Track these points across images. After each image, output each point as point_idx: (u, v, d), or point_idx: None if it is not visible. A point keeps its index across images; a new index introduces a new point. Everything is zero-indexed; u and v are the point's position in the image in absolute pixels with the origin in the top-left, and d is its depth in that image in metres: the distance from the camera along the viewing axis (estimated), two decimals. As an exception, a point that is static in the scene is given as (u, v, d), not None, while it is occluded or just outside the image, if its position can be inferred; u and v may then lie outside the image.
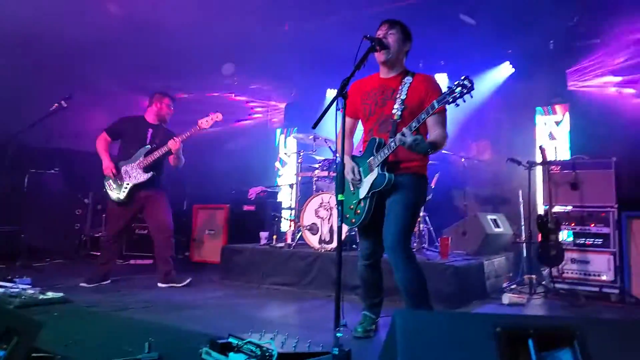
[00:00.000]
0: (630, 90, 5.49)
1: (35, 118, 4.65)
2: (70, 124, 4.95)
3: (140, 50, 6.25)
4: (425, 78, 2.87)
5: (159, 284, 4.71)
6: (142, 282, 4.98)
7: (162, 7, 5.40)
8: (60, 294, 3.74)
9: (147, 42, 6.02)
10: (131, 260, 6.71)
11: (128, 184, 4.64)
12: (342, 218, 2.45)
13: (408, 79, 2.85)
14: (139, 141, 4.74)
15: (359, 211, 2.85)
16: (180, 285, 4.69)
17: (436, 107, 2.52)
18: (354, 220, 2.90)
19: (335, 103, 2.51)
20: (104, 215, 7.32)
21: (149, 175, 4.65)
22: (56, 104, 4.30)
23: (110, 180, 4.67)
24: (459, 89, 2.43)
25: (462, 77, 2.45)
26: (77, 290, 4.34)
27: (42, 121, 4.23)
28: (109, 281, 4.78)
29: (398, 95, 2.80)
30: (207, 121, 4.66)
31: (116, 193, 4.66)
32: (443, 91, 2.57)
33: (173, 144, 4.59)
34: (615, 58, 5.53)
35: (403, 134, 2.56)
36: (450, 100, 2.47)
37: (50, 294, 3.71)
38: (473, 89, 2.43)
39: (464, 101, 2.47)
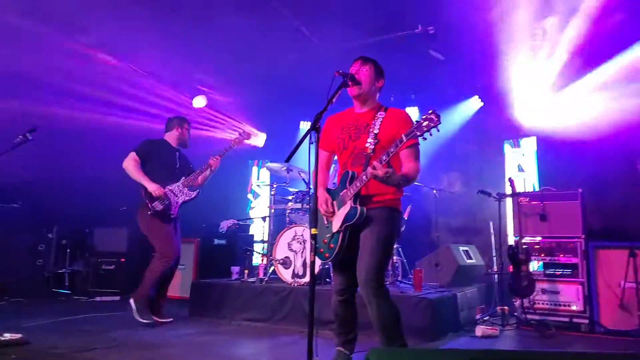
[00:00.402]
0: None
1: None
2: (33, 156, 4.78)
3: (107, 84, 6.20)
4: (397, 113, 2.92)
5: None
6: (109, 319, 4.78)
7: (128, 37, 5.39)
8: (19, 335, 3.56)
9: (116, 75, 5.98)
10: (97, 297, 6.46)
11: (177, 202, 4.64)
12: (315, 252, 2.42)
13: (381, 114, 2.89)
14: (168, 164, 4.74)
15: (332, 245, 2.83)
16: (166, 320, 4.60)
17: (404, 140, 2.56)
18: (327, 255, 2.86)
19: (308, 136, 2.53)
20: (68, 251, 7.08)
21: (196, 192, 4.74)
22: (20, 136, 4.16)
23: (158, 202, 4.53)
24: (426, 122, 2.48)
25: (430, 112, 2.49)
26: (39, 330, 4.13)
27: (5, 154, 4.09)
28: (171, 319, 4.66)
29: (371, 130, 2.84)
30: (237, 140, 4.85)
31: (166, 213, 4.57)
32: (412, 125, 2.61)
33: (215, 162, 4.72)
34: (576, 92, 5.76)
35: (374, 167, 2.58)
36: (418, 133, 2.51)
37: (7, 335, 3.53)
38: (440, 123, 2.48)
39: (431, 135, 2.53)
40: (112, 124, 6.52)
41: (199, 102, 7.30)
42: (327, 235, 2.86)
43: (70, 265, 6.93)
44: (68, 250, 7.04)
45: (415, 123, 2.54)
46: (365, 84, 2.90)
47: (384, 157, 2.62)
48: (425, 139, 2.55)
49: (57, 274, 6.84)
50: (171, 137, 4.87)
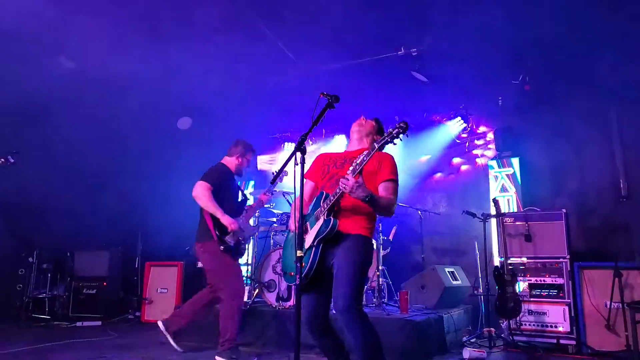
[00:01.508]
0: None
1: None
2: (14, 178, 4.71)
3: (96, 106, 6.17)
4: (385, 155, 3.00)
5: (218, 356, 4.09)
6: (90, 345, 4.68)
7: (115, 62, 5.39)
8: None
9: (101, 98, 5.96)
10: (78, 322, 6.29)
11: (245, 237, 4.36)
12: (284, 275, 2.43)
13: (370, 152, 2.85)
14: (234, 196, 4.43)
15: (303, 264, 2.75)
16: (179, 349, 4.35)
17: (376, 147, 2.66)
18: (297, 275, 2.79)
19: (293, 158, 2.56)
20: (49, 275, 6.92)
21: (255, 225, 4.67)
22: (2, 159, 4.10)
23: (230, 236, 4.19)
24: (395, 130, 2.62)
25: (401, 122, 2.63)
26: (17, 356, 4.07)
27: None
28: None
29: (356, 161, 2.83)
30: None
31: (238, 247, 4.26)
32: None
33: (265, 198, 4.60)
34: (560, 114, 5.85)
35: (345, 178, 2.62)
36: (388, 139, 2.63)
37: None
38: (407, 129, 2.64)
39: (400, 140, 2.66)
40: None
41: (184, 123, 7.29)
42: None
43: (50, 289, 6.76)
44: (49, 275, 6.87)
45: (386, 132, 2.67)
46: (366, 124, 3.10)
47: (351, 168, 2.69)
48: (395, 144, 2.68)
49: (37, 299, 6.66)
50: (231, 164, 4.43)
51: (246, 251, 6.71)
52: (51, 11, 4.45)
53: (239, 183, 4.66)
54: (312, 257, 2.74)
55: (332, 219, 2.73)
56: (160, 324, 4.32)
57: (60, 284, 6.88)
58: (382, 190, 2.87)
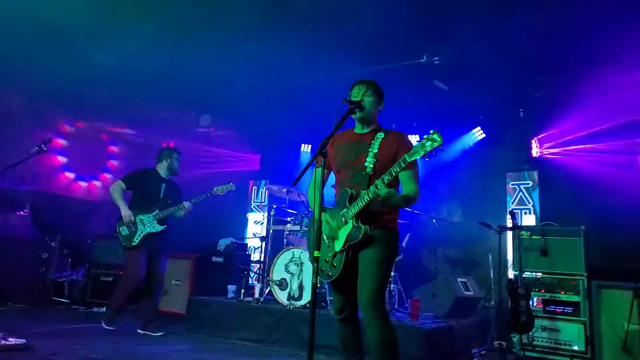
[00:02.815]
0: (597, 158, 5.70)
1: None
2: (43, 166, 4.90)
3: (117, 99, 6.33)
4: (397, 134, 2.96)
5: (138, 330, 4.85)
6: (106, 330, 4.80)
7: (139, 55, 5.51)
8: (23, 341, 3.66)
9: (124, 90, 6.11)
10: (95, 307, 6.45)
11: (142, 232, 4.91)
12: (317, 275, 2.42)
13: (380, 135, 2.93)
14: (153, 194, 5.05)
15: (335, 264, 2.82)
16: (155, 335, 4.79)
17: (408, 160, 2.58)
18: (330, 274, 2.85)
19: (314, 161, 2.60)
20: (70, 260, 7.11)
21: (163, 227, 5.00)
22: (36, 147, 4.25)
23: (124, 227, 4.91)
24: (429, 143, 2.50)
25: (431, 132, 2.51)
26: (40, 336, 4.19)
27: (21, 164, 4.19)
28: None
29: (370, 149, 2.87)
30: (221, 189, 5.10)
31: (129, 239, 4.89)
32: (414, 145, 2.64)
33: (189, 207, 5.03)
34: (582, 128, 5.76)
35: (377, 187, 2.60)
36: (422, 153, 2.52)
37: (12, 340, 3.62)
38: (443, 143, 2.49)
39: (435, 154, 2.52)
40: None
41: (205, 120, 7.41)
42: (330, 255, 2.86)
43: (70, 274, 6.95)
44: (69, 260, 7.06)
45: (417, 143, 2.56)
46: (368, 109, 2.95)
47: (387, 177, 2.63)
48: (429, 158, 2.55)
49: (57, 283, 6.86)
50: (161, 167, 5.18)
51: (259, 250, 6.84)
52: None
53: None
54: (343, 261, 2.78)
55: (362, 226, 2.73)
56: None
57: (80, 270, 7.08)
58: (406, 180, 2.83)
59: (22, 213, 6.77)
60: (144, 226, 4.93)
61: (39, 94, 6.33)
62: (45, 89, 6.18)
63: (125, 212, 4.91)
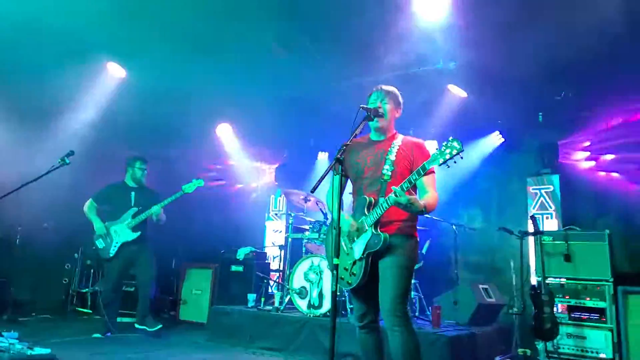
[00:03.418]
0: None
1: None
2: (65, 178, 5.04)
3: (137, 114, 6.47)
4: (414, 142, 2.96)
5: (135, 325, 5.26)
6: (128, 340, 4.89)
7: (155, 70, 5.63)
8: (48, 350, 3.72)
9: (144, 104, 6.23)
10: (117, 317, 6.52)
11: (117, 243, 5.19)
12: (337, 283, 2.42)
13: (397, 142, 2.94)
14: (124, 204, 5.31)
15: (355, 272, 2.82)
16: (151, 329, 5.10)
17: (427, 168, 2.58)
18: (350, 282, 2.85)
19: (332, 168, 2.60)
20: (92, 271, 7.23)
21: (137, 234, 5.22)
22: (59, 160, 4.36)
23: (101, 239, 5.21)
24: (448, 150, 2.49)
25: (450, 138, 2.50)
26: (64, 346, 4.27)
27: (43, 177, 4.30)
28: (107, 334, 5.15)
29: (387, 156, 2.87)
30: (190, 187, 5.26)
31: (106, 251, 5.18)
32: (432, 153, 2.62)
33: (157, 211, 5.21)
34: (603, 133, 5.67)
35: (396, 194, 2.59)
36: (441, 161, 2.51)
37: (37, 350, 3.68)
38: (462, 150, 2.48)
39: (455, 162, 2.51)
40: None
41: (223, 130, 7.50)
42: (349, 263, 2.86)
43: (92, 285, 7.06)
44: (92, 271, 7.18)
45: (437, 151, 2.55)
46: (386, 116, 2.96)
47: (406, 185, 2.64)
48: (449, 166, 2.54)
49: (81, 293, 6.98)
50: (127, 177, 5.45)
51: (278, 258, 6.86)
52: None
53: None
54: (363, 269, 2.78)
55: (381, 234, 2.73)
56: None
57: (102, 281, 7.18)
58: (424, 186, 2.82)
59: (45, 225, 6.91)
60: (119, 236, 5.20)
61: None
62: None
63: (96, 225, 5.22)
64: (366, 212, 2.80)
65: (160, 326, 5.15)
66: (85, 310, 6.82)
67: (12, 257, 6.43)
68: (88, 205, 5.34)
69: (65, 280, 6.95)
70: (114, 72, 5.81)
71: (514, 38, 4.48)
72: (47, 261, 6.90)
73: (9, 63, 5.39)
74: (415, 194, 2.85)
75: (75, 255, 7.06)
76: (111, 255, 5.17)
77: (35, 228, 6.73)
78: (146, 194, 5.42)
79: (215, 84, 5.76)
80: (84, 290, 6.97)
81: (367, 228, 2.78)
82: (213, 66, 5.43)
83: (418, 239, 2.95)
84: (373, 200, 2.81)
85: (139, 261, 5.26)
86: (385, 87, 3.04)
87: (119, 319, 6.40)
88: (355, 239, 2.85)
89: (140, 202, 5.32)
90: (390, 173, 2.83)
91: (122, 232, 5.20)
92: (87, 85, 5.92)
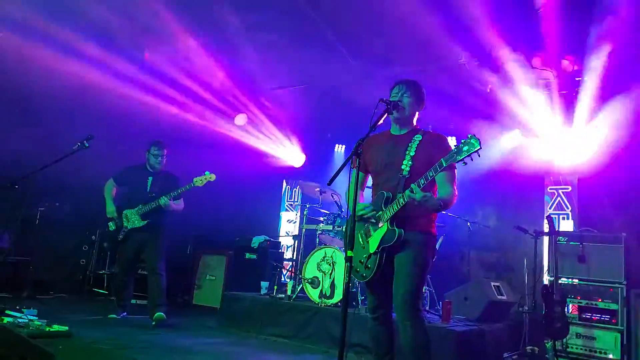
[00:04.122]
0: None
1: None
2: (85, 161, 5.15)
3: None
4: (434, 137, 2.93)
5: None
6: (143, 322, 4.99)
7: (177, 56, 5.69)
8: (66, 328, 3.83)
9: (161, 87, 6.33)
10: (132, 300, 6.67)
11: (126, 227, 5.15)
12: (350, 274, 2.44)
13: (418, 137, 2.90)
14: (140, 189, 5.22)
15: (369, 266, 2.84)
16: (152, 321, 4.88)
17: (444, 164, 2.58)
18: (364, 275, 2.88)
19: (349, 161, 2.62)
20: (108, 253, 7.39)
21: (145, 222, 5.12)
22: (78, 143, 4.47)
23: (112, 222, 5.22)
24: (466, 147, 2.49)
25: (469, 136, 2.50)
26: (80, 324, 4.39)
27: (63, 159, 4.41)
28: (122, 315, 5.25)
29: (407, 152, 2.85)
30: (201, 180, 5.06)
31: (116, 235, 5.21)
32: (451, 149, 2.63)
33: (163, 202, 5.04)
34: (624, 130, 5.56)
35: (412, 191, 2.60)
36: (458, 158, 2.52)
37: (56, 327, 3.80)
38: (480, 148, 2.48)
39: (472, 159, 2.51)
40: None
41: (240, 120, 7.57)
42: (364, 256, 2.88)
43: (109, 267, 7.22)
44: (108, 253, 7.34)
45: (454, 147, 2.56)
46: (407, 110, 2.93)
47: (422, 181, 2.64)
48: (465, 163, 2.55)
49: (97, 275, 7.14)
50: (147, 162, 5.35)
51: (292, 248, 6.93)
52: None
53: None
54: (377, 263, 2.80)
55: (397, 229, 2.74)
56: None
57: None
58: (443, 182, 2.79)
59: (65, 206, 7.07)
60: (128, 221, 5.16)
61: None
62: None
63: (108, 207, 5.21)
64: (383, 208, 2.81)
65: (160, 320, 4.86)
66: (101, 291, 6.98)
67: (32, 237, 6.60)
68: (107, 185, 5.32)
69: (82, 262, 7.11)
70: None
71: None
72: (66, 242, 7.06)
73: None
74: (435, 189, 2.85)
75: (93, 237, 7.22)
76: (120, 239, 5.17)
77: (54, 209, 6.90)
78: (163, 180, 5.25)
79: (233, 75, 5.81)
80: (101, 272, 7.14)
81: (383, 223, 2.81)
82: (233, 59, 5.48)
83: (436, 236, 2.96)
84: (391, 196, 2.81)
85: (147, 249, 5.16)
86: (407, 80, 3.00)
87: (134, 301, 6.60)
88: (372, 233, 2.88)
89: (156, 188, 5.18)
90: (409, 169, 2.81)
91: (132, 218, 5.14)
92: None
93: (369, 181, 3.20)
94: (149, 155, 5.30)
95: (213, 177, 5.12)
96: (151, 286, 5.08)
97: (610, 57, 4.93)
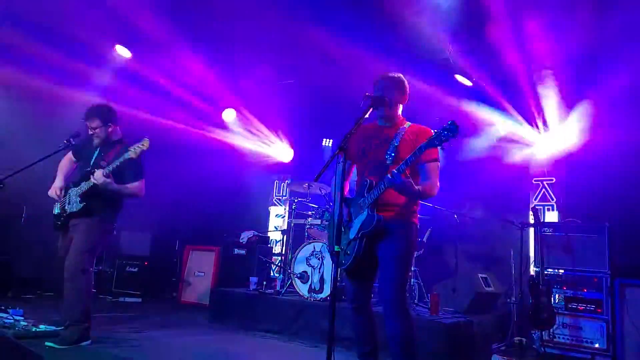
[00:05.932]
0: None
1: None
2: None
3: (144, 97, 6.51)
4: (419, 128, 2.97)
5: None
6: (131, 320, 4.95)
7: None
8: (53, 328, 3.78)
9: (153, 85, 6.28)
10: (120, 297, 6.64)
11: (65, 211, 3.91)
12: (337, 269, 2.45)
13: (403, 128, 2.95)
14: (83, 165, 4.05)
15: (348, 252, 2.85)
16: (58, 346, 3.52)
17: (423, 150, 2.62)
18: (343, 262, 2.88)
19: (336, 156, 2.64)
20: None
21: (82, 205, 3.82)
22: (65, 141, 4.33)
23: (57, 204, 3.98)
24: (445, 132, 2.55)
25: (449, 122, 2.56)
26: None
27: (49, 157, 4.31)
28: None
29: (391, 142, 2.89)
30: (134, 150, 3.69)
31: (57, 219, 3.98)
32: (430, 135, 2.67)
33: (95, 180, 3.73)
34: (608, 114, 5.62)
35: (392, 175, 2.63)
36: (437, 143, 2.57)
37: (42, 327, 3.76)
38: (458, 132, 2.54)
39: (450, 145, 2.58)
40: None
41: (228, 115, 7.52)
42: (344, 243, 2.89)
43: (97, 264, 7.15)
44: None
45: (434, 133, 2.61)
46: (390, 103, 2.96)
47: (402, 166, 2.67)
48: (444, 148, 2.61)
49: (86, 272, 7.05)
50: None
51: (280, 243, 6.91)
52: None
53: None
54: (356, 249, 2.80)
55: (376, 215, 2.75)
56: None
57: (107, 260, 7.28)
58: (426, 173, 2.84)
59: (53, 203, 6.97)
60: (69, 204, 3.90)
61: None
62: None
63: (54, 183, 4.02)
64: (365, 194, 2.83)
65: (70, 346, 3.55)
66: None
67: (17, 236, 6.50)
68: (63, 159, 4.20)
69: (69, 260, 7.01)
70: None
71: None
72: (52, 240, 6.94)
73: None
74: (418, 181, 2.86)
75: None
76: (58, 224, 3.96)
77: (40, 208, 6.80)
78: (115, 153, 3.89)
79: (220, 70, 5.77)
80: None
81: (364, 209, 2.82)
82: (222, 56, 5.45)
83: (418, 225, 2.98)
84: (374, 183, 2.83)
85: (74, 242, 3.81)
86: (390, 75, 3.04)
87: (123, 299, 6.56)
88: (352, 219, 2.89)
89: (99, 164, 3.88)
90: (392, 158, 2.85)
91: (72, 200, 3.88)
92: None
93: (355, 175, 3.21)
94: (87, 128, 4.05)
95: (146, 143, 3.72)
96: (65, 296, 3.74)
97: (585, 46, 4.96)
